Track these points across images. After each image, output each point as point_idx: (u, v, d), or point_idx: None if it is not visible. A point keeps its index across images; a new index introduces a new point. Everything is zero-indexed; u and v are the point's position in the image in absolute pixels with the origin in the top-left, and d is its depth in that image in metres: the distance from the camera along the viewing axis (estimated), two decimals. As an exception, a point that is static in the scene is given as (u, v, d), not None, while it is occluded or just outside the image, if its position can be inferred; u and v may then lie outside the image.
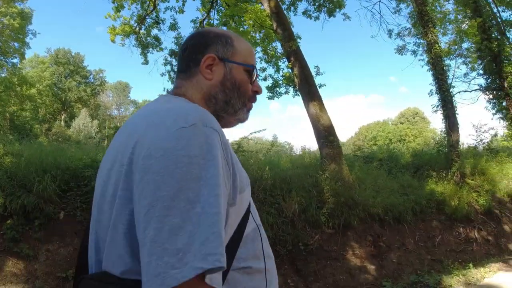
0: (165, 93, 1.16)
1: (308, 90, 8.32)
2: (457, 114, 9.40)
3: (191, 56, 0.95)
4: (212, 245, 0.61)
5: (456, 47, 15.27)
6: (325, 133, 7.88)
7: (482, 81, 12.86)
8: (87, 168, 5.26)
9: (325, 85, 8.74)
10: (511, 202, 10.38)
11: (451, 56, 15.43)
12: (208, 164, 0.67)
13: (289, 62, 8.78)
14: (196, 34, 0.99)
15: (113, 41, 13.85)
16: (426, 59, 10.29)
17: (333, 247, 6.34)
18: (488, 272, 6.48)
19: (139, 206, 0.65)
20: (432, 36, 9.54)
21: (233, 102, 0.94)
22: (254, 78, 0.98)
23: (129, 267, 0.68)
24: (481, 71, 12.82)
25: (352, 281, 6.03)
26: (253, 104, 1.01)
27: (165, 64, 14.33)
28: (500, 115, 12.23)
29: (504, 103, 11.81)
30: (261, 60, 9.30)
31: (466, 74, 14.56)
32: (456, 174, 9.19)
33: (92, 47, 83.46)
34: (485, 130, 13.04)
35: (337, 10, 12.03)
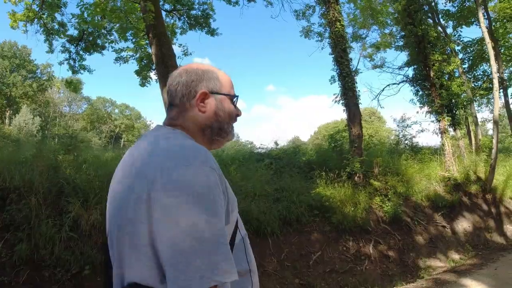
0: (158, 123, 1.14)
1: (164, 72, 6.66)
2: (360, 103, 7.95)
3: (183, 91, 1.07)
4: (226, 263, 0.79)
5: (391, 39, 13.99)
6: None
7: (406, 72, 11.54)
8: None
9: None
10: (430, 207, 9.05)
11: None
12: (213, 200, 0.83)
13: (148, 38, 7.10)
14: (183, 72, 1.10)
15: (13, 27, 11.94)
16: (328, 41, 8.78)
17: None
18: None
19: (160, 233, 0.80)
20: (333, 13, 8.07)
21: (225, 128, 1.11)
22: (236, 104, 1.15)
23: (153, 278, 0.83)
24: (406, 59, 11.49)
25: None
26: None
27: (62, 52, 12.56)
28: (428, 109, 10.93)
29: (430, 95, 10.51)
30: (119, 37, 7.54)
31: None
32: (357, 175, 7.70)
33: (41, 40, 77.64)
34: (407, 125, 11.87)
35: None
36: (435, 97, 10.35)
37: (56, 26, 12.22)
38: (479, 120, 12.67)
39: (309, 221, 6.47)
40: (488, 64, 11.98)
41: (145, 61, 7.58)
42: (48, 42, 12.52)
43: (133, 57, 7.41)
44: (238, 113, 1.15)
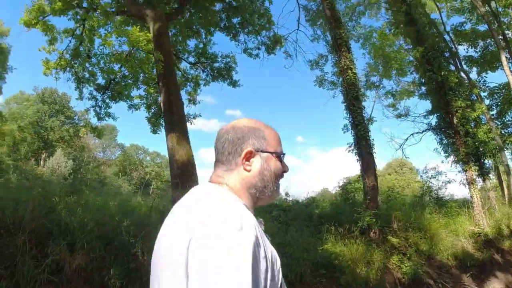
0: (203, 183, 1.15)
1: (170, 120, 6.73)
2: (374, 153, 7.53)
3: (230, 149, 1.09)
4: None
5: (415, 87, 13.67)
6: (178, 171, 6.14)
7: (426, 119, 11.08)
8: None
9: (200, 116, 7.19)
10: (457, 267, 8.13)
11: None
12: (248, 267, 0.80)
13: (158, 87, 7.33)
14: (231, 129, 1.11)
15: (46, 74, 13.00)
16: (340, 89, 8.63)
17: None
18: None
19: None
20: (345, 61, 8.02)
21: (270, 186, 1.09)
22: (282, 161, 1.14)
23: None
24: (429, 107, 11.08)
25: None
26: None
27: (89, 99, 13.40)
28: (454, 158, 10.27)
29: (454, 143, 9.92)
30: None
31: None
32: (373, 230, 7.13)
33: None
34: (432, 176, 11.13)
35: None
36: (460, 145, 9.73)
37: (87, 75, 13.10)
38: (511, 169, 11.69)
39: (314, 282, 5.90)
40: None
41: (154, 108, 7.81)
42: (79, 89, 13.33)
43: (144, 104, 7.70)
44: (284, 170, 1.15)
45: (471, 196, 9.43)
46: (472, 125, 10.72)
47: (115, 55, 7.21)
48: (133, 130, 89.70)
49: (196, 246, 0.83)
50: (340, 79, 8.26)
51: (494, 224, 9.33)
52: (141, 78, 9.29)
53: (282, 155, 1.13)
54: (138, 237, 4.98)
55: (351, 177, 9.57)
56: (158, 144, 73.95)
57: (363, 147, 7.39)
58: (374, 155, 7.50)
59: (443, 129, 10.05)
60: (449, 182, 10.31)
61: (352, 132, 7.72)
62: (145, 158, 55.76)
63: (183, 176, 6.08)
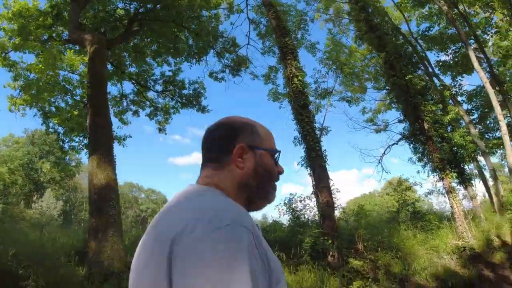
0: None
1: (93, 141, 6.11)
2: (327, 165, 6.74)
3: (220, 146, 0.97)
4: None
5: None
6: (95, 196, 5.40)
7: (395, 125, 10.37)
8: None
9: (131, 137, 6.61)
10: (440, 289, 7.09)
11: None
12: (240, 266, 0.70)
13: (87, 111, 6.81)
14: (221, 124, 1.01)
15: (11, 111, 12.66)
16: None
17: None
18: None
19: None
20: (290, 69, 7.45)
21: (265, 187, 0.98)
22: (277, 161, 1.02)
23: None
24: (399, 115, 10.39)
25: None
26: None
27: (51, 134, 13.23)
28: (430, 167, 9.43)
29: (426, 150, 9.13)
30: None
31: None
32: (331, 253, 6.22)
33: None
34: (406, 188, 10.25)
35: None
36: (433, 151, 8.93)
37: (53, 109, 12.70)
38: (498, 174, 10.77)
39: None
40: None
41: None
42: (46, 125, 12.93)
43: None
44: (280, 171, 1.03)
45: (451, 206, 8.51)
46: (449, 130, 10.00)
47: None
48: (128, 168, 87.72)
49: (180, 245, 0.73)
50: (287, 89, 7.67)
51: (480, 236, 8.36)
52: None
53: (277, 154, 1.02)
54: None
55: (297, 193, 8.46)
56: (154, 181, 72.66)
57: (313, 159, 6.62)
58: (328, 167, 6.71)
59: (416, 137, 9.28)
60: (430, 193, 9.41)
61: (303, 144, 7.00)
62: (139, 195, 54.82)
63: (100, 201, 5.34)
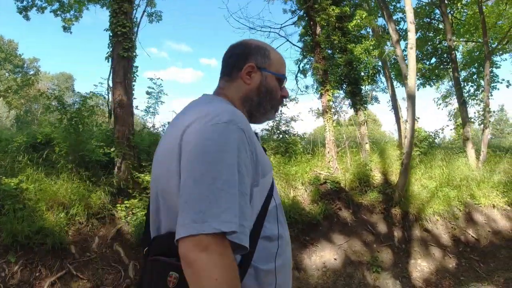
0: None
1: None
2: (133, 57, 4.92)
3: (234, 63, 1.12)
4: (228, 214, 0.79)
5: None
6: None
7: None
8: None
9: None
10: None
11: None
12: (230, 154, 0.84)
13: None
14: (239, 44, 1.16)
15: None
16: None
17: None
18: None
19: (181, 179, 0.85)
20: None
21: (264, 105, 1.12)
22: (283, 85, 1.16)
23: None
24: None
25: None
26: (280, 106, 1.22)
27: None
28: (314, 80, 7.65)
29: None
30: None
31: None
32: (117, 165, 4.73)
33: (28, 35, 64.38)
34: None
35: None
36: (318, 61, 7.10)
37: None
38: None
39: None
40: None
41: None
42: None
43: None
44: (283, 94, 1.17)
45: (325, 129, 6.97)
46: (354, 39, 8.05)
47: None
48: (90, 78, 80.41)
49: (188, 134, 0.88)
50: None
51: (354, 169, 6.97)
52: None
53: (283, 79, 1.14)
54: None
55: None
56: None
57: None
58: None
59: (304, 41, 7.35)
60: (311, 111, 7.79)
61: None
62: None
63: None
